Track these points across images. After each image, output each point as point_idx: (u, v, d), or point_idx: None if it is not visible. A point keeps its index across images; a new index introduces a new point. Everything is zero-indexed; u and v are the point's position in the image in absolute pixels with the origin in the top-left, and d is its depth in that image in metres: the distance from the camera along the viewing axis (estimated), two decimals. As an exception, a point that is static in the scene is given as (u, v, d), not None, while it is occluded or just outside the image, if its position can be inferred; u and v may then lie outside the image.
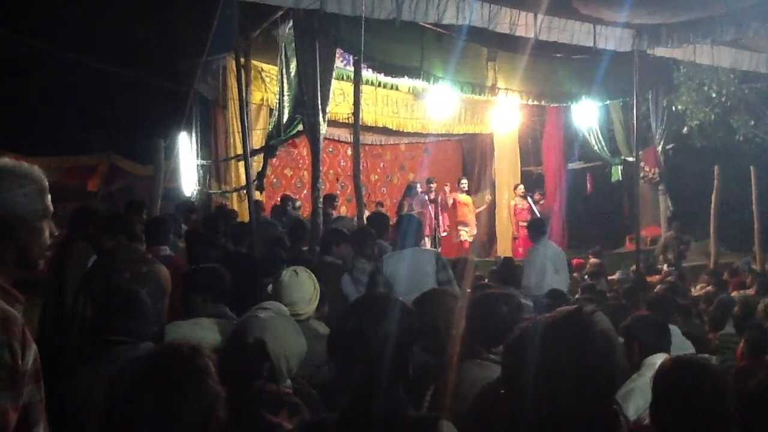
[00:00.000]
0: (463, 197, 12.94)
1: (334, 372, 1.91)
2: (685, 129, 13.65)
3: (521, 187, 13.35)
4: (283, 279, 3.66)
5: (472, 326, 2.55)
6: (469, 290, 4.82)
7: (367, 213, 8.85)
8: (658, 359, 3.11)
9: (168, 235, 4.90)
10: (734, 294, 9.05)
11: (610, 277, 10.36)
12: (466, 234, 12.72)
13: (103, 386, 2.74)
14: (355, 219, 8.51)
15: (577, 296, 6.80)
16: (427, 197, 11.96)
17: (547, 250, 7.47)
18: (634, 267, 10.39)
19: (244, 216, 10.09)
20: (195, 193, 11.76)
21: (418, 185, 12.25)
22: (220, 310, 3.61)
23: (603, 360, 1.47)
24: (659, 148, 13.03)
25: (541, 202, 13.30)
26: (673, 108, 13.26)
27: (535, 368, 1.44)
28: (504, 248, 13.65)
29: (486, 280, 8.55)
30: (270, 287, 3.90)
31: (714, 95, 13.02)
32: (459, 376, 2.40)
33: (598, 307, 5.18)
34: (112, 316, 2.99)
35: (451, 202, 12.48)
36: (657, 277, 9.56)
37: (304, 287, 3.58)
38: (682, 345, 4.38)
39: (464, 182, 13.13)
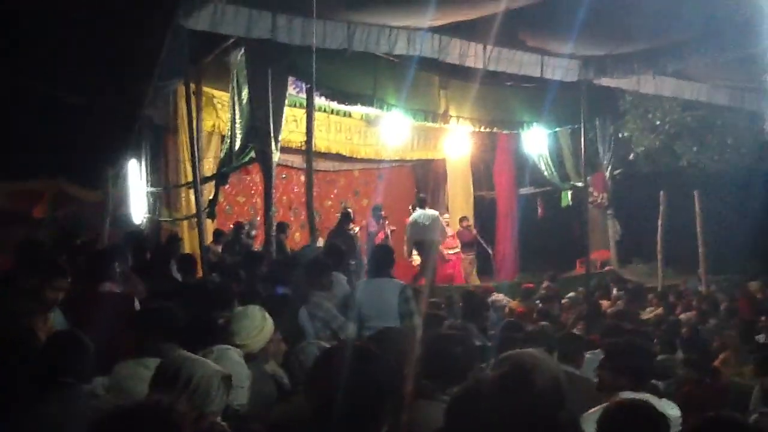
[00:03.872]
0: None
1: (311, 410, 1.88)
2: (632, 155, 14.01)
3: (446, 216, 13.43)
4: (234, 312, 3.64)
5: (426, 366, 2.53)
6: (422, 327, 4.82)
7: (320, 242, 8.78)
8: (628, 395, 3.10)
9: (110, 269, 4.76)
10: (682, 316, 9.28)
11: (562, 300, 10.49)
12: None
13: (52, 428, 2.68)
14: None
15: (531, 327, 6.83)
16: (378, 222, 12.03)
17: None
18: (580, 289, 10.56)
19: (195, 244, 9.95)
20: (145, 220, 11.54)
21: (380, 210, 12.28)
22: (171, 349, 3.53)
23: (542, 417, 1.48)
24: (607, 174, 13.37)
25: (466, 226, 13.37)
26: (620, 135, 13.62)
27: (478, 425, 1.43)
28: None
29: (443, 305, 8.58)
30: (222, 321, 3.84)
31: (658, 122, 13.41)
32: (411, 417, 2.38)
33: (551, 333, 5.22)
34: (57, 356, 2.93)
35: (390, 231, 12.42)
36: (607, 302, 9.72)
37: (249, 320, 3.52)
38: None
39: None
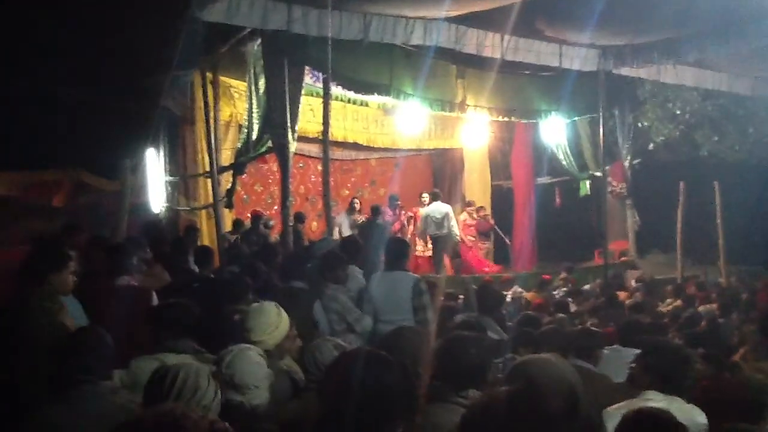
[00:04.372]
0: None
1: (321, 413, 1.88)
2: (651, 145, 13.87)
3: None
4: (250, 309, 3.66)
5: (440, 368, 2.53)
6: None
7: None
8: (654, 396, 3.08)
9: (128, 263, 4.79)
10: (701, 308, 9.19)
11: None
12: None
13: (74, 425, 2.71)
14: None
15: (547, 319, 6.82)
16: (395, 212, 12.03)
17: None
18: (598, 281, 10.51)
19: (213, 233, 10.02)
20: (163, 209, 11.61)
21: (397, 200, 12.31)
22: (187, 344, 3.57)
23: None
24: (626, 163, 13.24)
25: (483, 216, 13.38)
26: (639, 124, 13.48)
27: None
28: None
29: (460, 298, 8.57)
30: (237, 316, 3.86)
31: (678, 112, 13.26)
32: (425, 420, 2.38)
33: (567, 327, 5.20)
34: (75, 355, 2.95)
35: (407, 219, 12.49)
36: (625, 293, 9.65)
37: (265, 317, 3.54)
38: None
39: (425, 197, 13.17)
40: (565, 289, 10.09)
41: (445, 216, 11.41)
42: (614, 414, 2.90)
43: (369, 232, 9.22)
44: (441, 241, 11.32)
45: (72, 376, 2.89)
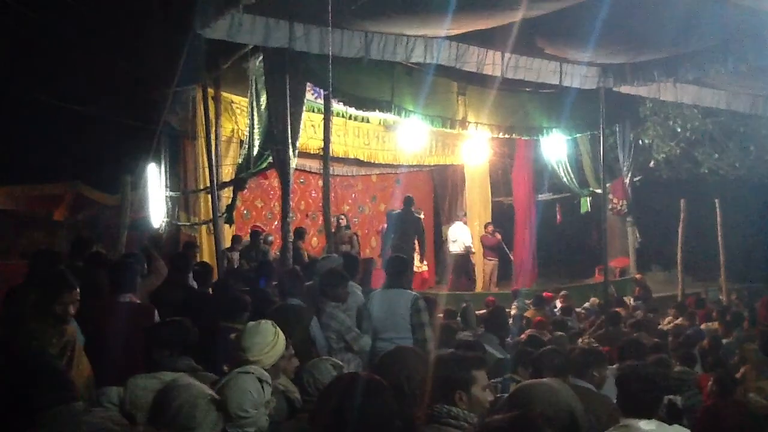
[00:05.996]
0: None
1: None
2: (652, 162, 13.89)
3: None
4: (246, 327, 3.62)
5: (436, 388, 2.50)
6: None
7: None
8: (638, 423, 3.06)
9: (132, 280, 4.78)
10: (703, 326, 9.16)
11: (577, 309, 10.44)
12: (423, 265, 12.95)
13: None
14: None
15: (548, 337, 6.81)
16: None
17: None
18: (594, 299, 10.48)
19: (213, 248, 10.01)
20: (163, 224, 11.62)
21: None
22: (186, 363, 3.55)
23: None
24: (627, 180, 13.23)
25: (495, 234, 13.45)
26: (640, 141, 13.50)
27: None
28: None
29: (459, 316, 8.56)
30: (233, 335, 3.84)
31: (679, 129, 13.29)
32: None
33: (566, 345, 5.17)
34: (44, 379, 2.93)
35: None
36: (624, 311, 9.62)
37: (261, 336, 3.51)
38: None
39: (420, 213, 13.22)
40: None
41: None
42: None
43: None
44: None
45: (43, 400, 2.87)
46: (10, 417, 2.93)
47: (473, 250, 13.14)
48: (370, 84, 9.39)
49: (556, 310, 9.75)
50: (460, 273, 12.83)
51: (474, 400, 2.47)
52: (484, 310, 8.94)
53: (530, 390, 2.12)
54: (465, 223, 13.41)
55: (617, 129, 12.51)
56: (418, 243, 11.45)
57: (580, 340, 7.65)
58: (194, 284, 6.39)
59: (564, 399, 1.99)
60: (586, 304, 10.47)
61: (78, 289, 3.79)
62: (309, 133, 11.16)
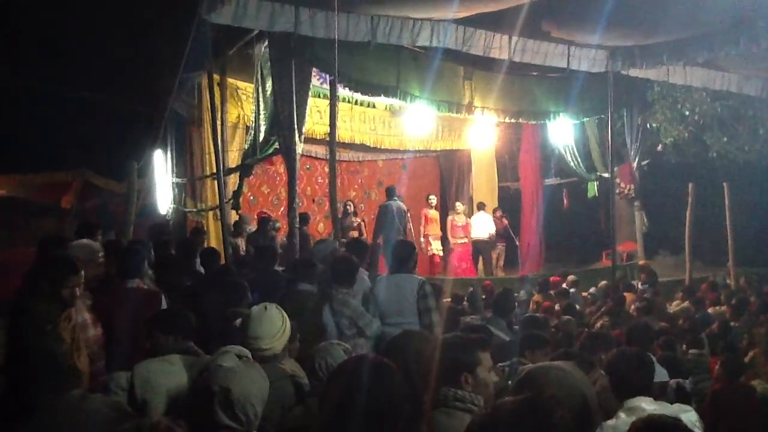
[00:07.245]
0: (432, 213, 13.01)
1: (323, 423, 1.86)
2: (660, 146, 13.77)
3: (458, 205, 13.55)
4: (252, 313, 3.61)
5: (441, 371, 2.49)
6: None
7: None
8: (641, 403, 3.04)
9: (139, 266, 4.79)
10: (711, 310, 9.13)
11: (584, 294, 10.42)
12: (437, 248, 12.88)
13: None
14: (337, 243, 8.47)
15: (555, 323, 6.79)
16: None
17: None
18: (601, 283, 10.45)
19: (219, 234, 10.02)
20: (170, 210, 11.64)
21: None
22: (187, 345, 3.56)
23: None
24: (634, 165, 13.16)
25: (502, 219, 13.42)
26: (648, 125, 13.38)
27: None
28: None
29: (465, 300, 8.56)
30: (238, 321, 3.83)
31: (687, 113, 13.14)
32: (431, 427, 2.34)
33: (574, 330, 5.17)
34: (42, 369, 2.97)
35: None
36: (632, 295, 9.59)
37: (272, 323, 3.50)
38: (657, 372, 4.38)
39: (432, 198, 13.19)
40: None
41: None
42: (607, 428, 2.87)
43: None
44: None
45: (42, 390, 2.89)
46: (10, 405, 2.96)
47: (494, 237, 13.20)
48: (376, 69, 9.35)
49: (551, 292, 9.68)
50: (486, 256, 13.06)
51: (479, 381, 2.47)
52: (484, 296, 8.97)
53: (541, 373, 2.11)
54: (486, 212, 13.39)
55: (625, 113, 12.43)
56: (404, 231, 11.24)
57: (597, 324, 7.68)
58: (201, 269, 6.42)
59: (575, 382, 1.98)
60: (592, 290, 10.44)
61: (82, 272, 3.80)
62: (315, 118, 11.12)
